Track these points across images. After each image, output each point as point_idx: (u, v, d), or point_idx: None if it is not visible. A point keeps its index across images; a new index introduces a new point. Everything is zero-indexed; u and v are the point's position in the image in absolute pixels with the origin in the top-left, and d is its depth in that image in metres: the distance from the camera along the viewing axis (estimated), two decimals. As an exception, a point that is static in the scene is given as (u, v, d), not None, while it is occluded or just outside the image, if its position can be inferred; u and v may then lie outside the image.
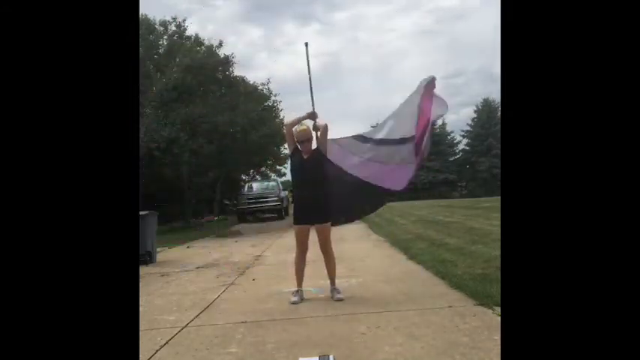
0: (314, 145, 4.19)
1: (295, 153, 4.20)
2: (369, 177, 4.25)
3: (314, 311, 3.74)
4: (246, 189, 20.39)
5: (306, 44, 4.50)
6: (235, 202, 21.09)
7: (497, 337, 2.68)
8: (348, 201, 4.39)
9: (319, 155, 4.17)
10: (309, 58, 4.47)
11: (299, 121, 4.22)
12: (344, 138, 4.43)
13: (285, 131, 4.36)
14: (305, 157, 4.12)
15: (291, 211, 4.18)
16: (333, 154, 4.27)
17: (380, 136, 4.33)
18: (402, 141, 4.22)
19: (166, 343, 3.19)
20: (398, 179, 4.28)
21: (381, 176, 4.25)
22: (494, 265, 4.68)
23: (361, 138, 4.40)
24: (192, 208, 20.76)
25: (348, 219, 4.65)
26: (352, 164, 4.30)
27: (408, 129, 4.21)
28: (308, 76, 4.41)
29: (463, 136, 45.42)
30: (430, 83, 4.32)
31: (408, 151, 4.19)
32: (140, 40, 13.22)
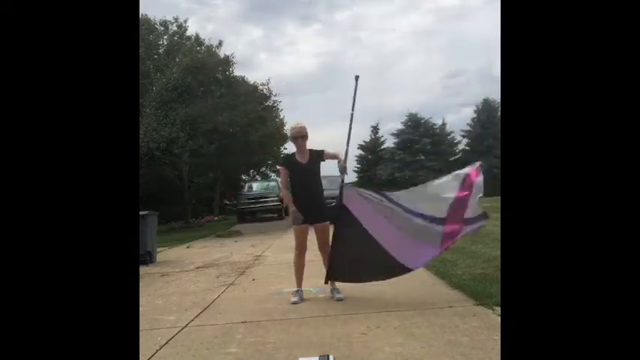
0: (308, 145, 4.20)
1: (290, 159, 4.21)
2: (394, 250, 3.81)
3: (314, 311, 3.74)
4: (246, 189, 20.38)
5: (357, 77, 3.95)
6: (235, 202, 21.09)
7: (497, 337, 2.67)
8: (358, 264, 3.98)
9: (316, 157, 4.20)
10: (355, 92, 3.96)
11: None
12: (368, 191, 4.08)
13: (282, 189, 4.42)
14: (303, 162, 4.13)
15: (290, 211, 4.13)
16: (352, 204, 3.91)
17: (412, 207, 3.83)
18: (434, 220, 3.77)
19: (166, 343, 3.19)
20: (419, 257, 3.86)
21: (406, 252, 3.83)
22: (494, 265, 4.67)
23: (391, 200, 3.90)
24: (192, 208, 20.76)
25: (349, 279, 4.18)
26: (378, 227, 3.84)
27: (440, 210, 3.77)
28: (351, 112, 3.95)
29: (463, 136, 45.38)
30: (474, 169, 3.93)
31: (437, 232, 3.75)
32: (140, 40, 13.22)
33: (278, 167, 4.57)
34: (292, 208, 4.08)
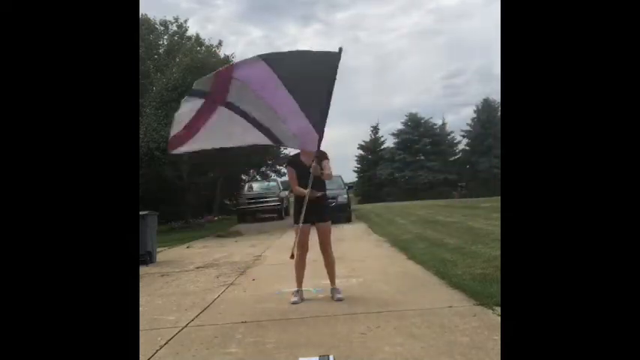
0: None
1: (295, 160, 4.21)
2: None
3: (314, 311, 3.74)
4: (246, 189, 20.38)
5: (340, 49, 3.70)
6: (235, 202, 21.07)
7: (497, 337, 2.68)
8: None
9: (320, 157, 4.19)
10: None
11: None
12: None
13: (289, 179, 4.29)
14: (307, 163, 4.14)
15: (291, 211, 4.13)
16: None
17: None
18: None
19: (166, 343, 3.19)
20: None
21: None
22: (494, 265, 4.67)
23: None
24: (192, 208, 20.75)
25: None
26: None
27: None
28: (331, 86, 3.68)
29: (463, 136, 45.43)
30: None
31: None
32: (140, 40, 13.22)
33: (285, 168, 4.52)
34: (308, 190, 3.93)
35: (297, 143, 3.87)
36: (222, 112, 3.60)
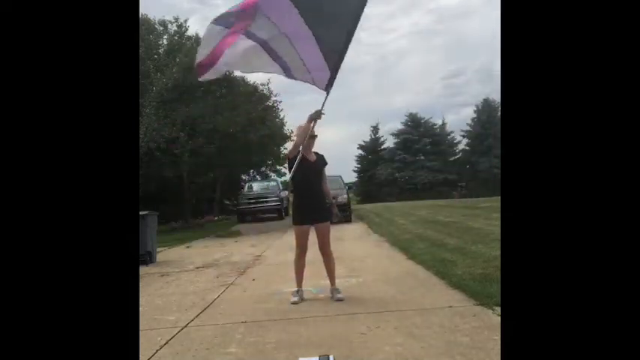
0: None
1: (300, 157, 4.21)
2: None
3: (314, 311, 3.74)
4: (246, 189, 20.40)
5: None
6: (235, 202, 21.08)
7: (497, 337, 2.67)
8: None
9: (322, 159, 4.28)
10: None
11: (311, 120, 3.96)
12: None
13: (296, 134, 4.25)
14: (311, 160, 4.15)
15: (291, 211, 4.12)
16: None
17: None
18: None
19: (166, 343, 3.19)
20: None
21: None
22: (494, 265, 4.68)
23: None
24: (192, 208, 20.74)
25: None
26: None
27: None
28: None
29: (463, 136, 45.42)
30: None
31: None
32: (140, 40, 13.21)
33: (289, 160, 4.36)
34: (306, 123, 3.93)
35: (309, 78, 3.79)
36: (243, 40, 3.60)
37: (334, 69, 3.59)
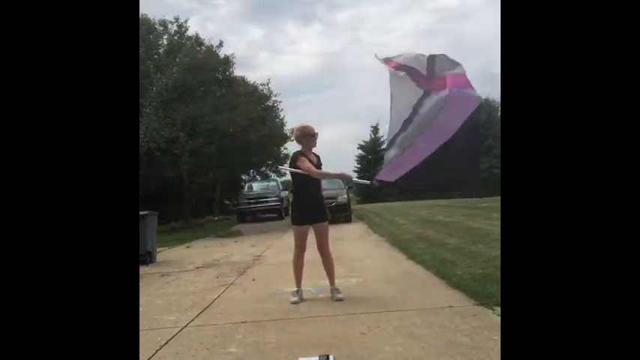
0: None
1: (300, 157, 4.20)
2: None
3: (314, 311, 3.74)
4: (246, 189, 20.40)
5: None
6: (235, 202, 21.09)
7: (497, 337, 2.67)
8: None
9: (318, 160, 4.27)
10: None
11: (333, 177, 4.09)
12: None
13: (306, 167, 4.18)
14: (313, 161, 4.16)
15: (290, 210, 4.12)
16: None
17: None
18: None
19: (166, 343, 3.19)
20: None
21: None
22: (494, 265, 4.68)
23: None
24: (192, 208, 20.74)
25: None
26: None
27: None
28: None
29: (463, 136, 45.34)
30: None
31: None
32: (140, 40, 13.20)
33: (291, 163, 4.33)
34: (334, 172, 4.10)
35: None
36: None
37: (401, 168, 3.62)
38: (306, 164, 4.02)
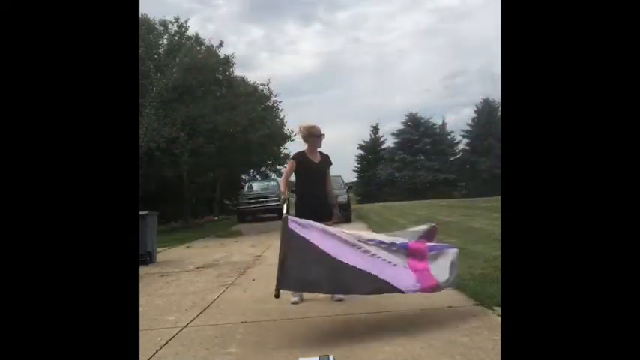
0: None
1: (302, 156, 4.21)
2: (358, 263, 3.12)
3: (314, 311, 3.74)
4: (246, 189, 20.39)
5: None
6: (235, 202, 21.08)
7: (497, 337, 2.67)
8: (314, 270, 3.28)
9: (326, 159, 4.29)
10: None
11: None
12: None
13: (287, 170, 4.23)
14: (314, 161, 4.16)
15: (292, 210, 4.11)
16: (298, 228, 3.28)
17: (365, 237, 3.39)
18: (393, 243, 3.35)
19: (166, 343, 3.19)
20: (395, 276, 3.17)
21: (375, 267, 3.15)
22: (494, 265, 4.67)
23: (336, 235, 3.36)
24: (192, 208, 20.74)
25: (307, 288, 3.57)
26: (330, 245, 3.23)
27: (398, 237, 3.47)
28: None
29: (463, 136, 45.44)
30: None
31: (400, 248, 3.32)
32: (140, 40, 13.21)
33: (290, 160, 4.25)
34: (284, 196, 3.90)
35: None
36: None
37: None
38: (286, 170, 4.19)
